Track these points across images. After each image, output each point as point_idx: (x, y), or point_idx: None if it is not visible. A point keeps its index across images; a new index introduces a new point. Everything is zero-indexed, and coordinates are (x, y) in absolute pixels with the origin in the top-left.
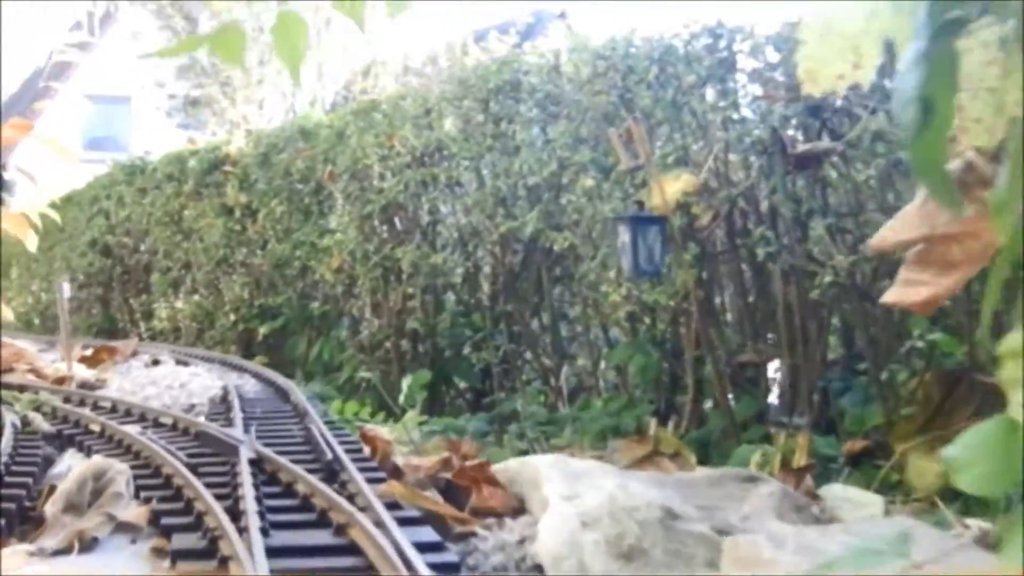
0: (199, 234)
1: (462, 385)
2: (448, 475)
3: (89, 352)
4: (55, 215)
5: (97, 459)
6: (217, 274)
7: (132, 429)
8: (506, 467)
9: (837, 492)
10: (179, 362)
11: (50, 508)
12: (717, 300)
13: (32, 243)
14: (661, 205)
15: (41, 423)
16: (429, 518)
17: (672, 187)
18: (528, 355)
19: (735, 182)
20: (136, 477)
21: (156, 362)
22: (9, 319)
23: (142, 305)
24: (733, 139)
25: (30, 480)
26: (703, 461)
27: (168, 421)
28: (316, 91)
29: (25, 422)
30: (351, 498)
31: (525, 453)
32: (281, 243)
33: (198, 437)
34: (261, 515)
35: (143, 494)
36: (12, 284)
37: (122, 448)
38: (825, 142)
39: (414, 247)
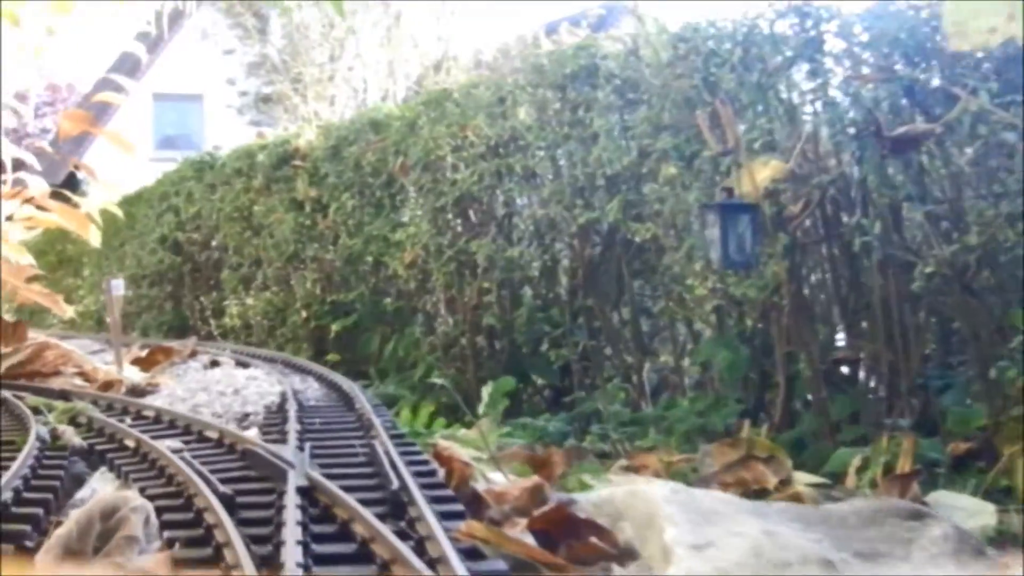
0: (269, 230)
1: (539, 382)
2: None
3: (144, 353)
4: (118, 211)
5: (108, 493)
6: (288, 270)
7: (171, 445)
8: (610, 497)
9: (946, 499)
10: (239, 364)
11: (43, 557)
12: (806, 293)
13: (95, 239)
14: (751, 192)
15: (72, 437)
16: (518, 566)
17: (761, 174)
18: (608, 351)
19: (826, 168)
20: (162, 510)
21: (215, 363)
22: (71, 317)
23: (212, 302)
24: (823, 122)
25: (41, 511)
26: (797, 465)
27: (214, 435)
28: (388, 87)
29: (55, 436)
30: (421, 544)
31: (607, 456)
32: (352, 238)
33: (244, 456)
34: (305, 569)
35: (167, 533)
36: (85, 282)
37: (154, 470)
38: (922, 124)
39: (489, 240)
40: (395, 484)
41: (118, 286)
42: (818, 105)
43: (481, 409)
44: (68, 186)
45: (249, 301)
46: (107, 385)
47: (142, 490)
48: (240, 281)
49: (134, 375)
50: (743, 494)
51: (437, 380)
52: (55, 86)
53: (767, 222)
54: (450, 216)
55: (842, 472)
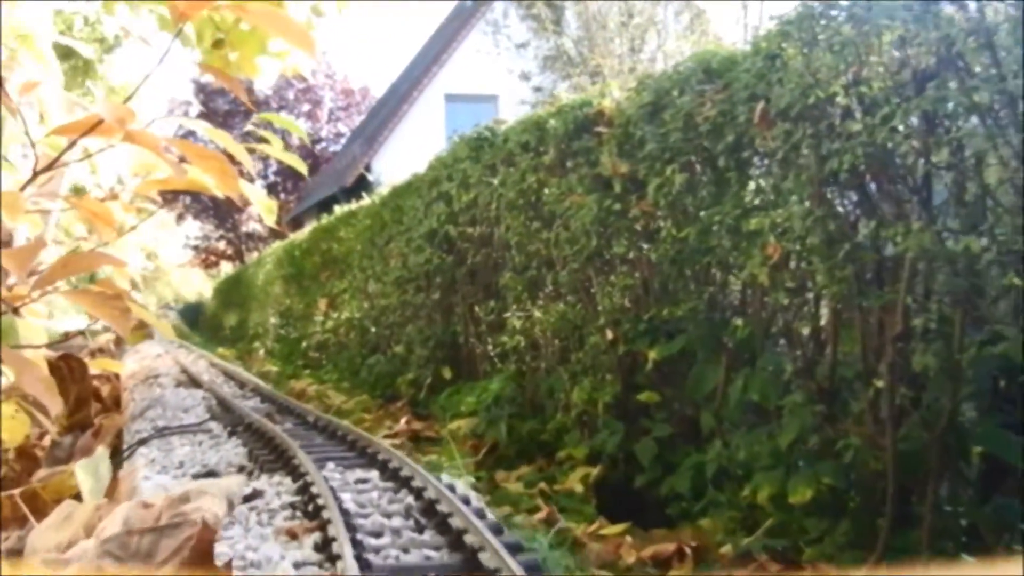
0: (563, 220)
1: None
2: None
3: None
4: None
5: None
6: (588, 273)
7: None
8: None
9: None
10: None
11: None
12: None
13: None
14: None
15: None
16: None
17: None
18: None
19: None
20: None
21: None
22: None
23: (489, 313)
24: None
25: None
26: None
27: None
28: None
29: None
30: None
31: None
32: (682, 228)
33: None
34: None
35: None
36: (349, 286)
37: None
38: None
39: (917, 228)
40: None
41: None
42: None
43: None
44: (359, 188)
45: (536, 314)
46: None
47: None
48: (525, 287)
49: None
50: None
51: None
52: (348, 90)
53: None
54: (843, 190)
55: None
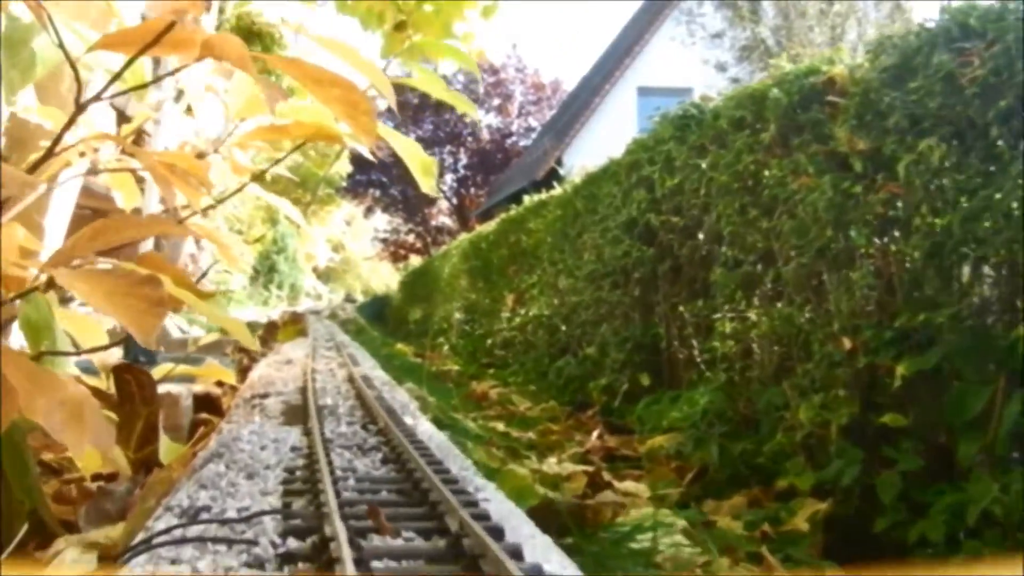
0: (787, 206)
1: None
2: None
3: None
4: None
5: None
6: (819, 269)
7: None
8: None
9: None
10: None
11: None
12: None
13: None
14: None
15: None
16: None
17: None
18: None
19: None
20: None
21: None
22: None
23: (697, 315)
24: None
25: None
26: None
27: None
28: None
29: None
30: None
31: None
32: (941, 214)
33: None
34: None
35: None
36: (538, 281)
37: None
38: None
39: None
40: None
41: None
42: None
43: None
44: (549, 182)
45: (752, 316)
46: None
47: None
48: (739, 285)
49: None
50: None
51: None
52: (539, 84)
53: None
54: None
55: None
